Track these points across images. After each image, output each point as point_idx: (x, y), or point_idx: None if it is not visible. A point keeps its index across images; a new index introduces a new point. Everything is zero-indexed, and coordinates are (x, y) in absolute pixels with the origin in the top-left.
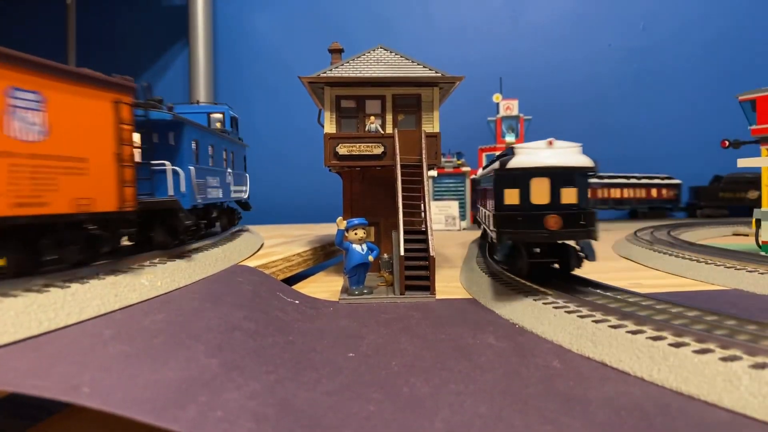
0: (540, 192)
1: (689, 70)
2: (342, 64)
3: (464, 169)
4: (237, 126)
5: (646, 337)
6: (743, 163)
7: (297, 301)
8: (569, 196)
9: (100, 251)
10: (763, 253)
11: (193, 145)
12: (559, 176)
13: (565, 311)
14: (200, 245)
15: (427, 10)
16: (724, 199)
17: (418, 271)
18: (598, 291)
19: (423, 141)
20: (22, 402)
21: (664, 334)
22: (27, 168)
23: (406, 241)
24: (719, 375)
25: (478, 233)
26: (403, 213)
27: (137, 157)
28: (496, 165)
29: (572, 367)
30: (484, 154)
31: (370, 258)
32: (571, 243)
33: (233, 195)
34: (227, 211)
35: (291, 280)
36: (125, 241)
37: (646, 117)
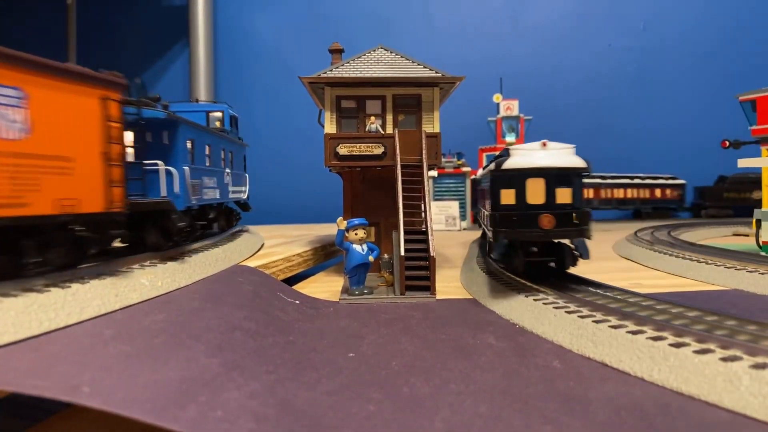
0: (535, 192)
1: (692, 70)
2: (342, 64)
3: (464, 169)
4: (237, 125)
5: (647, 338)
6: (743, 163)
7: (297, 301)
8: (564, 196)
9: (86, 253)
10: (763, 254)
11: (189, 144)
12: (555, 177)
13: (566, 311)
14: (200, 245)
15: (427, 10)
16: (729, 199)
17: (419, 271)
18: (598, 291)
19: (423, 141)
20: (22, 402)
21: (664, 334)
22: (7, 167)
23: (406, 241)
24: (719, 375)
25: (478, 233)
26: (404, 213)
27: (130, 157)
28: (492, 166)
29: (572, 367)
30: (484, 155)
31: (371, 258)
32: (567, 242)
33: (231, 195)
34: (225, 211)
35: (291, 280)
36: (119, 243)
37: (650, 117)
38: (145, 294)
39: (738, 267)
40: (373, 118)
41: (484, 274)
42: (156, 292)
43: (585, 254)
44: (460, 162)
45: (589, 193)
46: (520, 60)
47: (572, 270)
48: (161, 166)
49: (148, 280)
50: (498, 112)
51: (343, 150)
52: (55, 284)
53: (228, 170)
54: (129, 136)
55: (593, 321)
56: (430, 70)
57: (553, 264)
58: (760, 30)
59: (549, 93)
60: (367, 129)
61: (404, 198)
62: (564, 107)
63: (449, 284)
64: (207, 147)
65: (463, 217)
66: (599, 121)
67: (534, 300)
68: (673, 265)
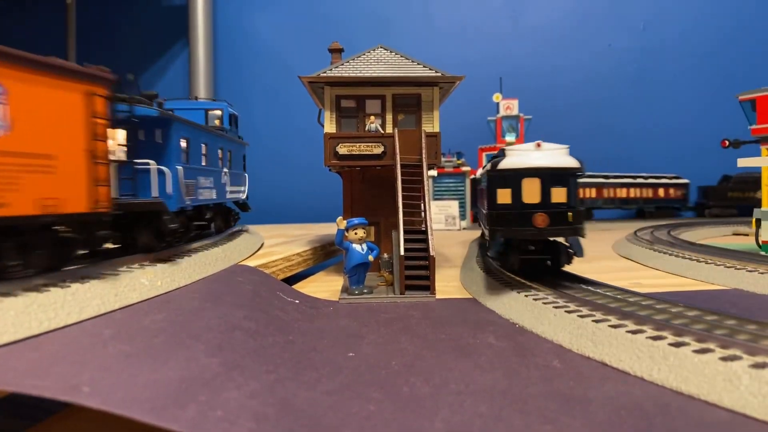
0: (531, 191)
1: (694, 69)
2: (342, 64)
3: (464, 168)
4: (236, 124)
5: (646, 337)
6: (743, 162)
7: (297, 301)
8: (559, 195)
9: (71, 255)
10: (763, 253)
11: (183, 143)
12: (550, 176)
13: (565, 311)
14: (200, 245)
15: (427, 10)
16: (733, 198)
17: (418, 270)
18: (598, 290)
19: (423, 141)
20: (22, 402)
21: (664, 333)
22: None
23: (406, 240)
24: (719, 374)
25: (478, 233)
26: (403, 213)
27: (122, 156)
28: (489, 166)
29: (572, 366)
30: (484, 154)
31: (370, 258)
32: (562, 240)
33: (229, 196)
34: (223, 212)
35: (291, 280)
36: (110, 244)
37: (653, 117)
38: (145, 294)
39: (738, 266)
40: (372, 117)
41: (483, 273)
42: (155, 291)
43: (579, 252)
44: (459, 161)
45: (591, 193)
46: (520, 59)
47: (572, 269)
48: (153, 165)
49: (147, 280)
50: (498, 112)
51: (342, 149)
52: (54, 284)
53: (226, 170)
54: (121, 135)
55: (593, 320)
56: (430, 69)
57: (549, 262)
58: (763, 29)
59: (549, 93)
60: (366, 128)
61: (404, 197)
62: (564, 107)
63: (449, 284)
64: (203, 146)
65: (462, 216)
66: (600, 120)
67: (534, 299)
68: (673, 264)
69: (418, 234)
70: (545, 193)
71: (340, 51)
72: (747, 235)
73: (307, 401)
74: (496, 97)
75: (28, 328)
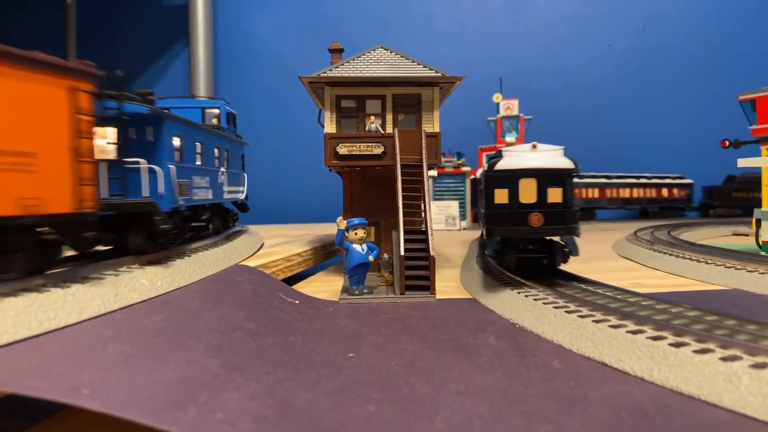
0: (528, 192)
1: (699, 69)
2: (342, 64)
3: (464, 169)
4: (235, 123)
5: (647, 337)
6: (743, 163)
7: (297, 301)
8: (555, 195)
9: (55, 258)
10: (763, 253)
11: (176, 141)
12: (546, 177)
13: (565, 311)
14: (200, 245)
15: (427, 10)
16: (738, 198)
17: (418, 271)
18: (598, 291)
19: (423, 141)
20: (22, 402)
21: (664, 333)
22: None
23: (406, 241)
24: (719, 375)
25: (478, 233)
26: (403, 213)
27: (112, 155)
28: (486, 167)
29: (572, 367)
30: (484, 154)
31: (370, 258)
32: (558, 240)
33: (227, 196)
34: (221, 212)
35: (291, 280)
36: (102, 246)
37: (656, 118)
38: (145, 294)
39: (738, 267)
40: (372, 117)
41: (483, 273)
42: (156, 292)
43: (575, 251)
44: (459, 162)
45: (594, 193)
46: (520, 60)
47: (572, 270)
48: (143, 164)
49: (147, 280)
50: (498, 112)
51: (342, 150)
52: (55, 284)
53: (223, 169)
54: (111, 133)
55: (593, 321)
56: (430, 69)
57: (545, 261)
58: (766, 27)
59: (549, 93)
60: (366, 129)
61: (404, 198)
62: (565, 107)
63: (449, 284)
64: (198, 144)
65: (462, 216)
66: (602, 121)
67: (534, 300)
68: (673, 264)
69: (418, 234)
70: (541, 194)
71: (340, 51)
72: (747, 235)
73: (307, 402)
74: (497, 97)
75: (28, 328)
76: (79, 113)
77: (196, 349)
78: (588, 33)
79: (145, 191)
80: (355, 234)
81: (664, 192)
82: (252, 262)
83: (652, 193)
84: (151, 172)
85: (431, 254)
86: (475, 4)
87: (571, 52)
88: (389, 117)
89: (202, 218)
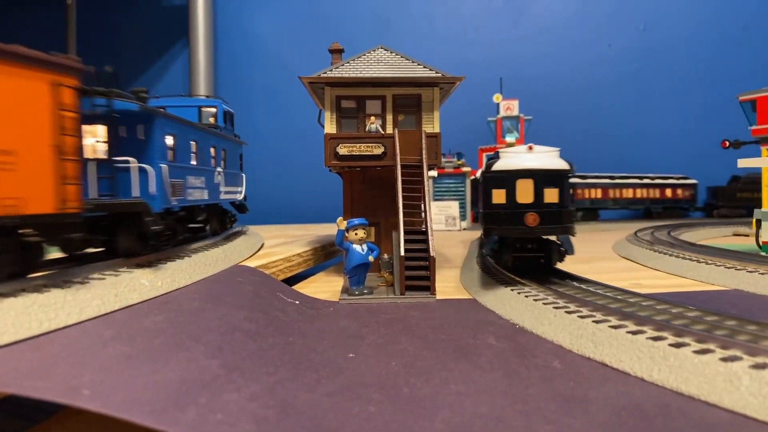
0: (525, 192)
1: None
2: (342, 65)
3: (464, 169)
4: (232, 122)
5: (647, 338)
6: (743, 163)
7: (297, 302)
8: (551, 195)
9: (37, 261)
10: (763, 254)
11: (169, 140)
12: (543, 177)
13: (566, 311)
14: (200, 246)
15: (427, 10)
16: (742, 199)
17: (419, 271)
18: (598, 291)
19: (423, 141)
20: (22, 403)
21: (664, 334)
22: None
23: (406, 241)
24: (719, 375)
25: (478, 233)
26: (404, 213)
27: (101, 153)
28: (484, 167)
29: (572, 367)
30: (484, 155)
31: (371, 258)
32: (555, 239)
33: (224, 196)
34: (218, 213)
35: (291, 281)
36: (93, 248)
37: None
38: (145, 294)
39: (738, 267)
40: (373, 118)
41: (484, 274)
42: (156, 292)
43: (570, 250)
44: (460, 162)
45: (597, 194)
46: (520, 60)
47: (572, 270)
48: (133, 163)
49: (148, 281)
50: (498, 112)
51: (343, 150)
52: (55, 284)
53: (220, 169)
54: (100, 131)
55: (593, 321)
56: (430, 70)
57: (542, 260)
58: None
59: (550, 93)
60: (367, 129)
61: (404, 198)
62: (566, 107)
63: (449, 284)
64: (193, 143)
65: (463, 217)
66: (604, 121)
67: (534, 300)
68: (673, 265)
69: (419, 234)
70: (538, 194)
71: (340, 51)
72: (747, 235)
73: (308, 403)
74: (497, 97)
75: (28, 328)
76: (62, 109)
77: (196, 350)
78: (589, 33)
79: (136, 191)
80: (355, 234)
81: (668, 192)
82: (252, 263)
83: (655, 193)
84: (142, 171)
85: (431, 254)
86: (476, 4)
87: (572, 52)
88: (389, 117)
89: (198, 219)
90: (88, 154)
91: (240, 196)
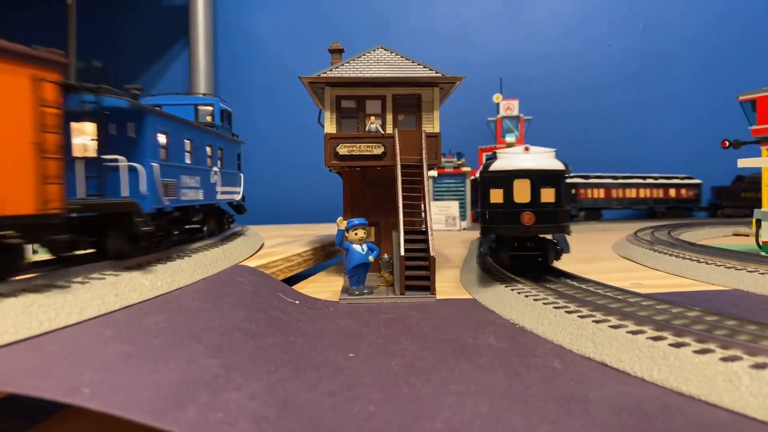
0: (522, 192)
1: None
2: (342, 64)
3: (464, 169)
4: (230, 121)
5: (647, 337)
6: (743, 163)
7: (297, 302)
8: (548, 195)
9: (18, 264)
10: (763, 254)
11: (161, 138)
12: (539, 178)
13: (566, 311)
14: (200, 245)
15: (427, 10)
16: (746, 199)
17: (419, 271)
18: (598, 291)
19: (423, 141)
20: (22, 402)
21: (664, 334)
22: None
23: (406, 241)
24: (719, 375)
25: (478, 233)
26: (404, 213)
27: (90, 152)
28: (482, 168)
29: (573, 367)
30: (484, 155)
31: (371, 258)
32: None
33: (221, 197)
34: (216, 214)
35: (291, 280)
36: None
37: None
38: (145, 294)
39: (738, 267)
40: (373, 118)
41: (484, 273)
42: (156, 292)
43: (566, 248)
44: (459, 162)
45: (600, 194)
46: (520, 60)
47: (573, 270)
48: (122, 162)
49: (148, 280)
50: (498, 112)
51: (343, 150)
52: (55, 284)
53: (216, 168)
54: (89, 128)
55: (593, 321)
56: (430, 70)
57: (539, 259)
58: None
59: (550, 93)
60: (367, 129)
61: (404, 198)
62: (568, 107)
63: (449, 284)
64: (187, 142)
65: (462, 217)
66: (604, 121)
67: (534, 300)
68: (673, 265)
69: (419, 234)
70: (535, 194)
71: (340, 51)
72: (747, 235)
73: (308, 402)
74: (497, 97)
75: (29, 328)
76: (43, 105)
77: (196, 349)
78: (589, 33)
79: (125, 190)
80: (355, 234)
81: (672, 192)
82: (252, 263)
83: (659, 193)
84: (132, 170)
85: (431, 254)
86: (476, 4)
87: (572, 52)
88: (389, 117)
89: (194, 220)
90: (76, 152)
91: (238, 197)
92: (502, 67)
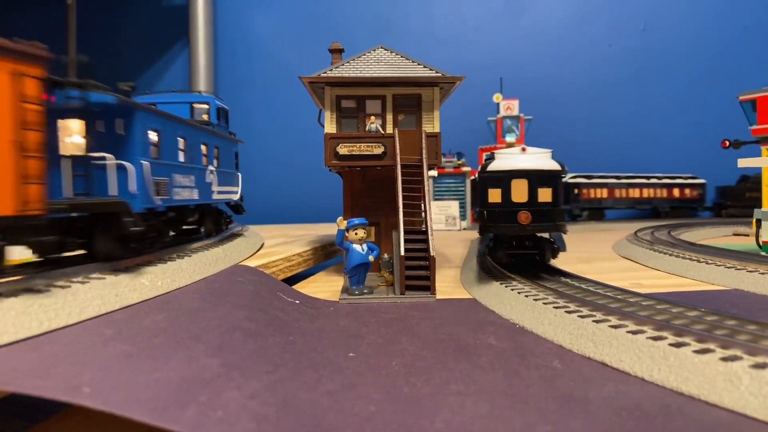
0: (519, 191)
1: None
2: (342, 64)
3: (464, 169)
4: (227, 119)
5: (647, 337)
6: (743, 163)
7: (297, 301)
8: (545, 195)
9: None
10: (763, 253)
11: (152, 135)
12: (537, 178)
13: (566, 311)
14: (200, 245)
15: (427, 10)
16: (751, 198)
17: (419, 271)
18: (598, 291)
19: (423, 141)
20: (22, 402)
21: (664, 334)
22: None
23: (406, 241)
24: (719, 375)
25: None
26: (404, 213)
27: (79, 150)
28: (480, 168)
29: (573, 367)
30: (484, 154)
31: (371, 258)
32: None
33: (217, 196)
34: (213, 214)
35: (291, 280)
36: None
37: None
38: (145, 294)
39: (738, 267)
40: (373, 117)
41: (484, 273)
42: (156, 291)
43: (562, 247)
44: (460, 162)
45: (603, 193)
46: (520, 60)
47: (573, 270)
48: (110, 159)
49: (148, 280)
50: (498, 112)
51: (343, 150)
52: (55, 284)
53: (211, 168)
54: (77, 126)
55: (593, 321)
56: (430, 69)
57: (537, 257)
58: None
59: (551, 93)
60: (367, 129)
61: (404, 198)
62: (567, 107)
63: (449, 284)
64: (181, 140)
65: (463, 216)
66: (605, 121)
67: (534, 300)
68: (673, 264)
69: (419, 234)
70: (532, 193)
71: (340, 51)
72: (747, 235)
73: (308, 402)
74: (497, 97)
75: (29, 328)
76: (24, 101)
77: (196, 349)
78: (589, 33)
79: (113, 189)
80: (356, 234)
81: (676, 192)
82: (252, 262)
83: (662, 193)
84: (121, 168)
85: (431, 254)
86: (476, 4)
87: (572, 52)
88: (389, 117)
89: (189, 221)
90: (63, 150)
91: (236, 197)
92: (503, 66)
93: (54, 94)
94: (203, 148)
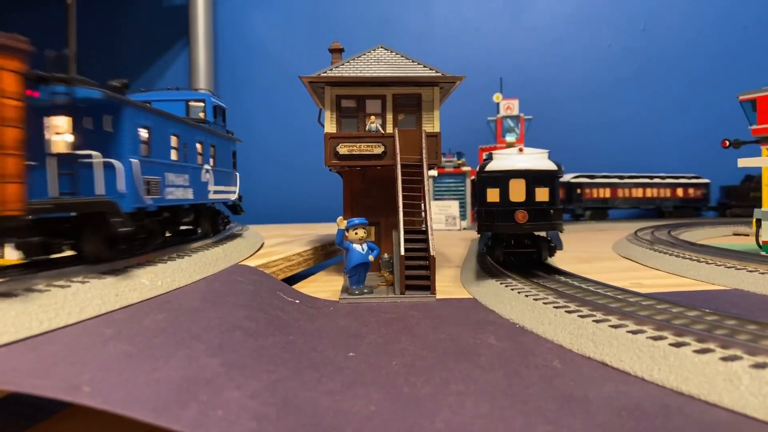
0: (517, 191)
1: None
2: (342, 64)
3: (464, 168)
4: (224, 117)
5: (647, 337)
6: (743, 162)
7: (297, 301)
8: (542, 194)
9: None
10: (763, 253)
11: (143, 132)
12: (534, 177)
13: (566, 311)
14: (200, 245)
15: (427, 10)
16: (755, 198)
17: (419, 270)
18: (598, 291)
19: (423, 141)
20: (22, 402)
21: (664, 333)
22: None
23: (406, 240)
24: (720, 375)
25: None
26: (404, 213)
27: (64, 147)
28: (478, 168)
29: (573, 366)
30: (484, 154)
31: (371, 258)
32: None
33: (214, 196)
34: (210, 214)
35: (291, 280)
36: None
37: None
38: (145, 293)
39: (738, 267)
40: (373, 117)
41: (484, 273)
42: (156, 291)
43: (559, 245)
44: (460, 161)
45: (606, 193)
46: (521, 59)
47: (573, 269)
48: (97, 157)
49: (148, 280)
50: (498, 112)
51: (343, 149)
52: (54, 284)
53: (208, 167)
54: (63, 122)
55: (593, 321)
56: (430, 69)
57: (535, 255)
58: None
59: (551, 93)
60: (367, 128)
61: (404, 197)
62: (567, 107)
63: (449, 283)
64: (174, 138)
65: (463, 216)
66: (605, 121)
67: (534, 300)
68: (673, 264)
69: (419, 234)
70: (530, 193)
71: (340, 51)
72: (747, 235)
73: (308, 401)
74: (497, 97)
75: (29, 328)
76: (2, 97)
77: (196, 348)
78: (589, 33)
79: (100, 189)
80: (356, 234)
81: (679, 192)
82: (252, 262)
83: (666, 192)
84: (109, 166)
85: (431, 254)
86: (476, 4)
87: (573, 52)
88: (389, 117)
89: (185, 221)
90: (49, 148)
91: (234, 196)
92: (503, 66)
93: (38, 89)
94: (198, 146)
